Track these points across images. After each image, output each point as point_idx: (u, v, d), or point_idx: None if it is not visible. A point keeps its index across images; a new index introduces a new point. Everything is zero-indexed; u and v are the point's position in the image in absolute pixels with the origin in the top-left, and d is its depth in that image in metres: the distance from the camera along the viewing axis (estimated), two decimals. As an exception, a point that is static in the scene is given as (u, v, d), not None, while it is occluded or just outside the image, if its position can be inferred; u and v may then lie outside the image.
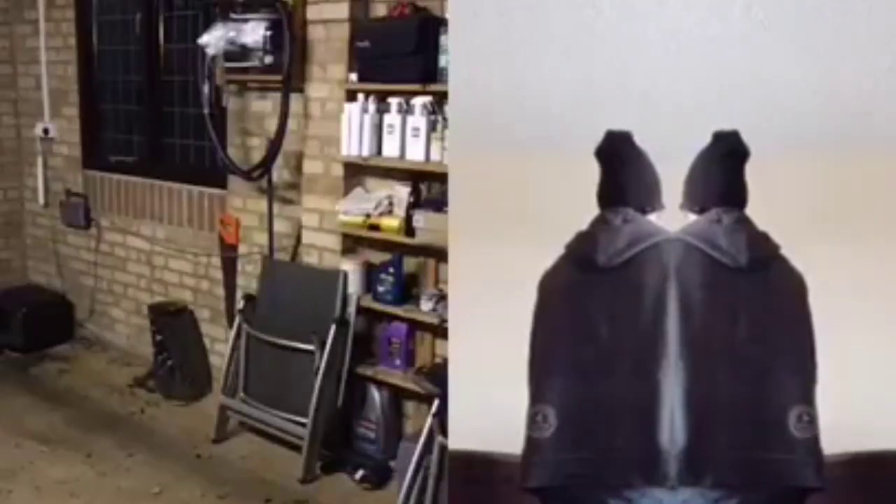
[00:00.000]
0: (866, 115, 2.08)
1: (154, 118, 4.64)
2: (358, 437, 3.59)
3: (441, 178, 3.19)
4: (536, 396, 1.63)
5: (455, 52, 2.13)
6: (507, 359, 1.76)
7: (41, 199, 5.24)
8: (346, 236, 3.60)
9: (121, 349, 4.92)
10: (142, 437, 3.81)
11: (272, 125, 3.70)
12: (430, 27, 3.17)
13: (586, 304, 1.63)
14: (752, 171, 1.71)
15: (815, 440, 1.59)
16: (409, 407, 3.60)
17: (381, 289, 3.44)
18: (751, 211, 1.69)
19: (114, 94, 4.92)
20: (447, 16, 3.12)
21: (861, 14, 1.73)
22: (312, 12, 3.59)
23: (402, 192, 3.39)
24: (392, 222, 3.38)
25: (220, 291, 4.28)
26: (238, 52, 3.63)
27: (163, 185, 4.60)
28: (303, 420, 3.39)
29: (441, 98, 3.15)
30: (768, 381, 1.59)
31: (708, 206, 1.67)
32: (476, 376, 2.07)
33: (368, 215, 3.44)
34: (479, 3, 1.76)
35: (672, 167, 1.72)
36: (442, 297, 3.27)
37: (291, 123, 3.66)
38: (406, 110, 3.28)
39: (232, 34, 3.60)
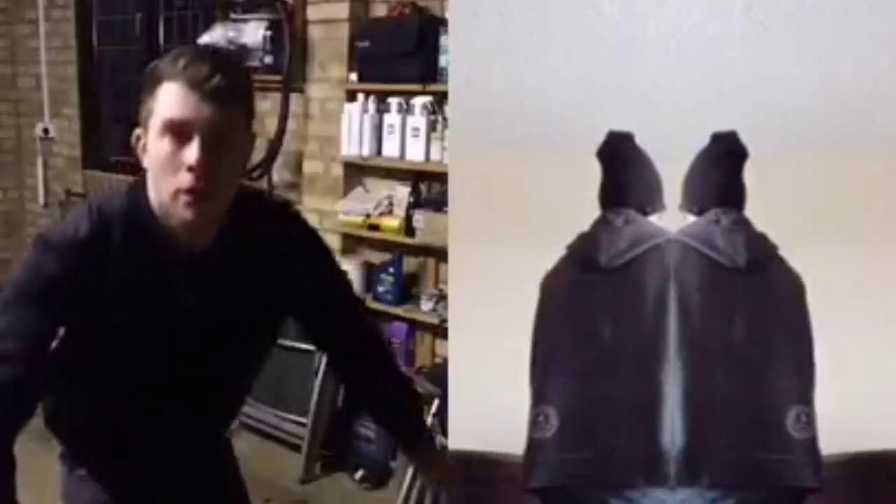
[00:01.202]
0: (866, 115, 2.08)
1: (154, 118, 4.64)
2: (358, 437, 3.59)
3: (441, 178, 3.19)
4: (538, 397, 1.62)
5: (455, 52, 2.13)
6: (507, 359, 1.76)
7: (41, 199, 5.25)
8: (346, 236, 3.60)
9: (121, 349, 4.91)
10: (142, 437, 3.81)
11: (272, 125, 3.70)
12: (430, 27, 3.17)
13: (588, 305, 1.63)
14: (751, 172, 1.71)
15: (813, 440, 1.58)
16: (409, 407, 3.60)
17: (381, 289, 3.44)
18: (750, 211, 1.69)
19: (114, 94, 4.92)
20: (447, 16, 3.12)
21: (861, 14, 1.73)
22: (312, 12, 3.59)
23: (402, 192, 3.40)
24: (392, 222, 3.38)
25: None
26: (238, 52, 3.63)
27: (163, 185, 4.60)
28: (303, 420, 3.39)
29: (441, 98, 3.15)
30: (766, 382, 1.59)
31: (706, 207, 1.67)
32: (476, 376, 2.07)
33: (368, 215, 3.44)
34: (479, 3, 1.76)
35: (672, 167, 1.72)
36: (442, 297, 3.27)
37: (291, 123, 3.66)
38: (406, 110, 3.28)
39: (232, 34, 3.61)
